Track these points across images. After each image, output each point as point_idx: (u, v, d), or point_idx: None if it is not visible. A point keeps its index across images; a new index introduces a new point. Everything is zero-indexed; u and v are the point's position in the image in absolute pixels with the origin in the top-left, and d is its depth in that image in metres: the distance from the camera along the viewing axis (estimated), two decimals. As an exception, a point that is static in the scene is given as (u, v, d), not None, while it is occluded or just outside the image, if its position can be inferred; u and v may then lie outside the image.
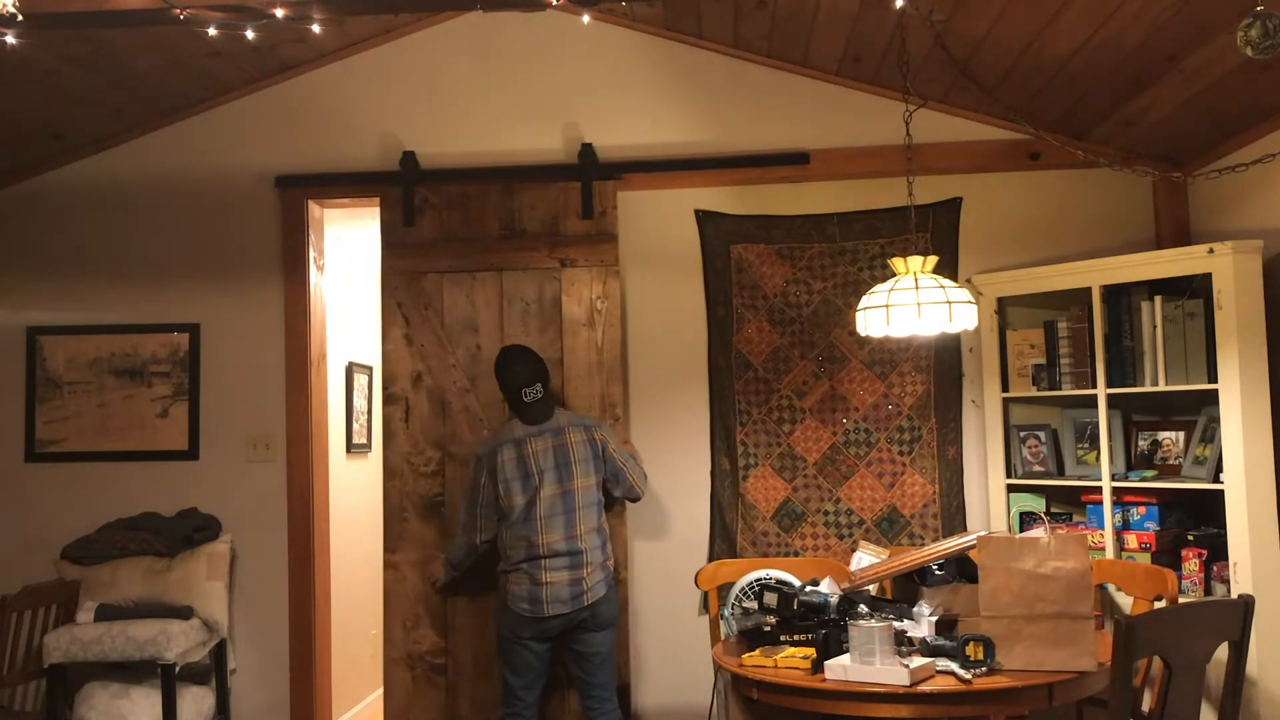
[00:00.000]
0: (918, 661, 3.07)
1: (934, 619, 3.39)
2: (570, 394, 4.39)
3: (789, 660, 3.21)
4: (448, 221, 4.52)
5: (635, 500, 4.16)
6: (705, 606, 4.36)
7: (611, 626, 3.96)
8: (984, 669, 3.07)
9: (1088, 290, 4.10)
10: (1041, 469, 4.29)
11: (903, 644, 3.23)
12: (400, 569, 4.39)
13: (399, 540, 4.40)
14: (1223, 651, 2.95)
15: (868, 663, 3.06)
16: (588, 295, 4.45)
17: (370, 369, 6.05)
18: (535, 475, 3.87)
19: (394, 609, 4.38)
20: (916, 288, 3.31)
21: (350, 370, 5.82)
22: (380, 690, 4.65)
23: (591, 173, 4.52)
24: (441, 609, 4.36)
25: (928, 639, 3.23)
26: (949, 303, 3.29)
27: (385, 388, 4.47)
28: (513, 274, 4.47)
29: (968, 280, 4.43)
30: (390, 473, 4.44)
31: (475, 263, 4.48)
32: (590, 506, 3.93)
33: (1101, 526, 4.04)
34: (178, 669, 4.15)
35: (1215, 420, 3.78)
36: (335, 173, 4.62)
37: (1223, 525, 3.72)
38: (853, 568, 3.89)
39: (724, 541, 4.49)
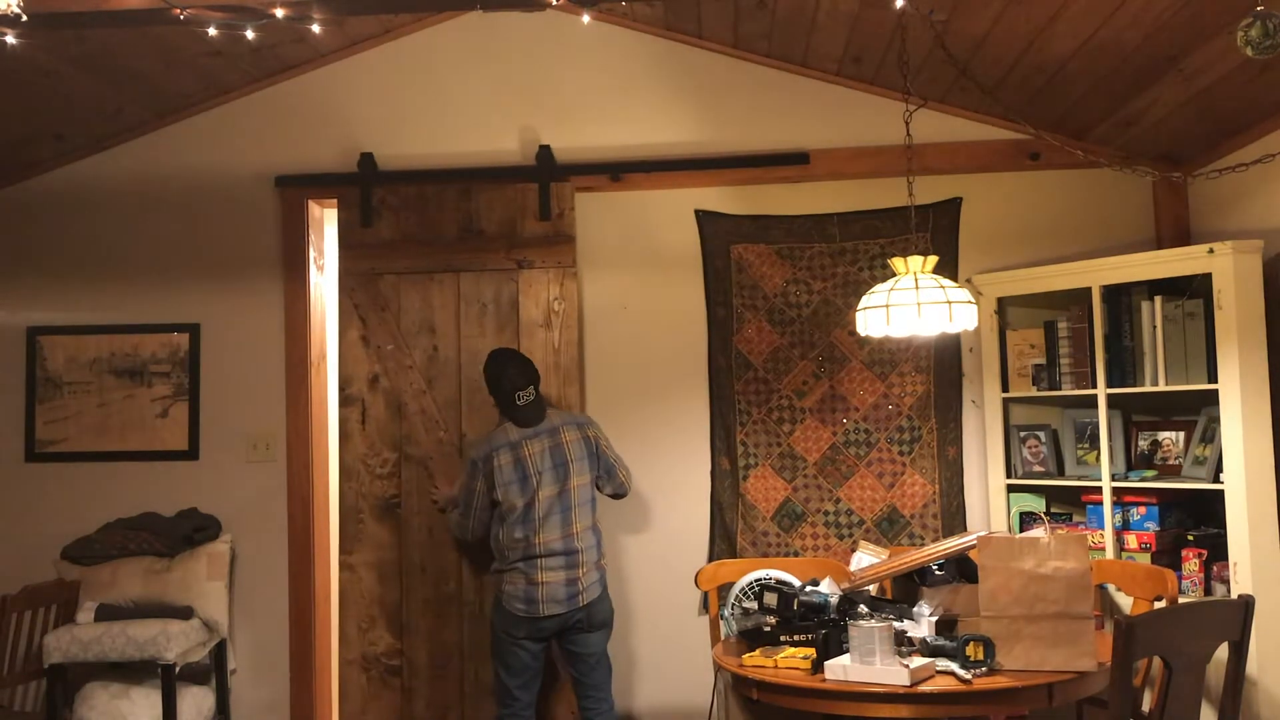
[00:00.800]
0: (918, 661, 3.08)
1: (934, 619, 3.39)
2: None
3: (789, 660, 3.22)
4: (405, 223, 4.52)
5: (622, 496, 4.15)
6: (705, 606, 4.37)
7: (606, 627, 3.96)
8: (984, 669, 3.07)
9: (1088, 290, 4.10)
10: (1041, 469, 4.29)
11: (903, 644, 3.23)
12: (356, 570, 4.40)
13: (355, 542, 4.41)
14: (1223, 651, 2.95)
15: (868, 663, 3.06)
16: (545, 297, 4.45)
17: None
18: (534, 477, 3.88)
19: (349, 610, 4.39)
20: (916, 288, 3.31)
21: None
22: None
23: (549, 174, 4.51)
24: (397, 611, 4.38)
25: (928, 639, 3.23)
26: (949, 303, 3.29)
27: (341, 389, 4.47)
28: (470, 275, 4.48)
29: (968, 280, 4.43)
30: (346, 474, 4.45)
31: (433, 264, 4.48)
32: (585, 504, 3.94)
33: (1101, 526, 4.04)
34: (178, 669, 4.15)
35: (1215, 420, 3.78)
36: (335, 173, 4.62)
37: (1223, 525, 3.72)
38: (853, 568, 3.89)
39: (724, 541, 4.49)
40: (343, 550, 4.41)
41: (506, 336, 4.42)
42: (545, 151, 4.53)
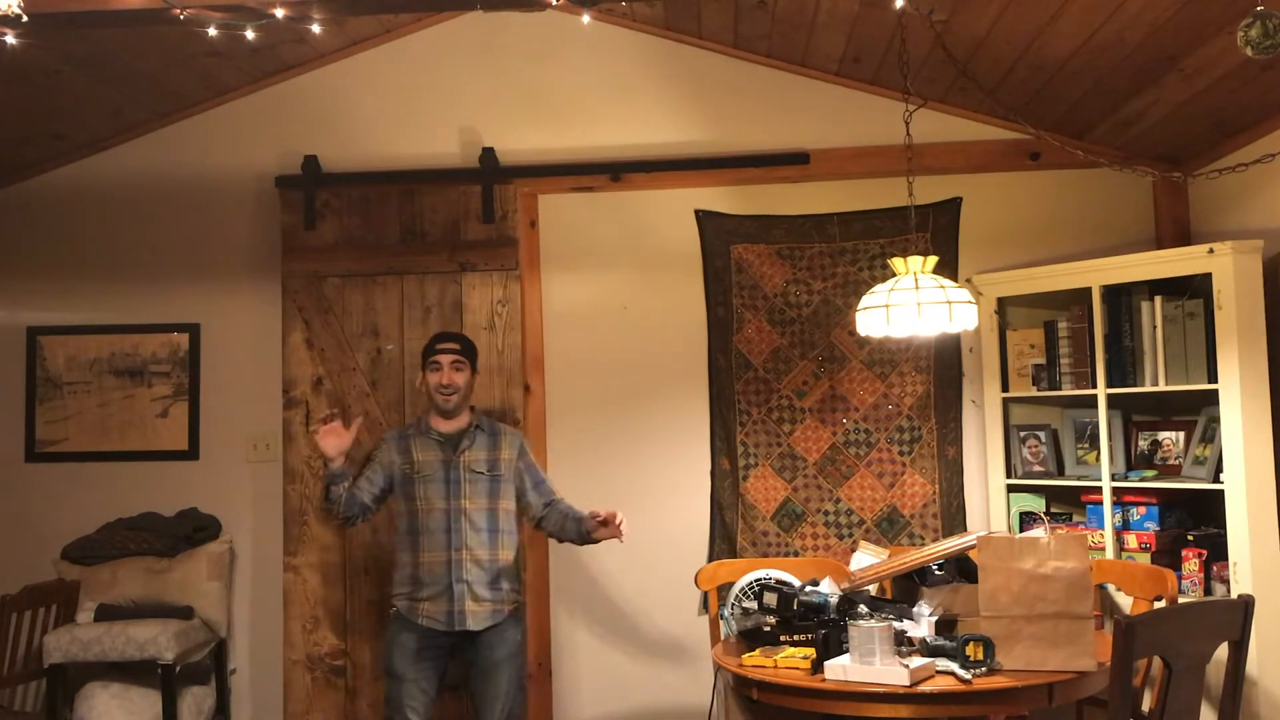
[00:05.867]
0: (918, 661, 3.07)
1: (934, 619, 3.39)
2: (471, 397, 4.39)
3: (789, 660, 3.21)
4: (348, 225, 4.54)
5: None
6: (705, 606, 4.36)
7: None
8: (984, 669, 3.07)
9: (1088, 290, 4.10)
10: (1041, 469, 4.29)
11: (903, 644, 3.23)
12: (300, 571, 4.41)
13: (298, 543, 4.42)
14: (1223, 651, 2.95)
15: (868, 663, 3.06)
16: (489, 299, 4.47)
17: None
18: None
19: (294, 611, 4.40)
20: (916, 288, 3.31)
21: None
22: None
23: (491, 176, 4.52)
24: (341, 612, 4.39)
25: (928, 639, 3.23)
26: (949, 303, 3.29)
27: (285, 391, 4.48)
28: (414, 278, 4.50)
29: (968, 280, 4.43)
30: (290, 476, 4.45)
31: (376, 266, 4.50)
32: None
33: (1101, 526, 4.04)
34: (178, 669, 4.15)
35: (1215, 420, 3.78)
36: (339, 173, 4.61)
37: (1223, 525, 3.72)
38: (853, 568, 3.89)
39: (724, 541, 4.49)
40: (286, 552, 4.43)
41: None
42: (489, 154, 4.53)
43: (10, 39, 3.09)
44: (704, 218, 4.59)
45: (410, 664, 3.68)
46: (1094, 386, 4.07)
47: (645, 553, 4.52)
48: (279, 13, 3.10)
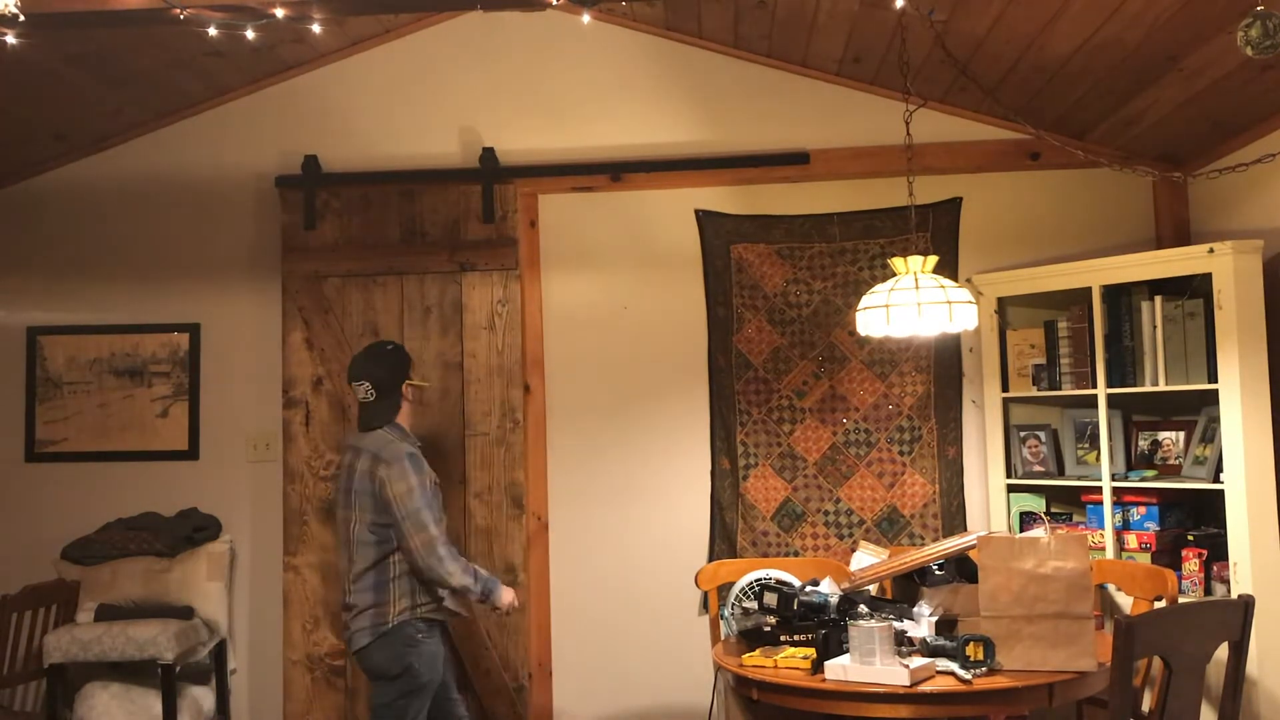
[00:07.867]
0: (918, 661, 3.08)
1: (934, 619, 3.39)
2: (470, 397, 4.42)
3: (789, 660, 3.22)
4: (348, 225, 4.54)
5: (424, 578, 3.55)
6: (705, 606, 4.36)
7: (383, 679, 3.54)
8: (984, 669, 3.07)
9: (1088, 290, 4.10)
10: (1041, 469, 4.29)
11: (903, 644, 3.23)
12: (300, 571, 4.41)
13: (299, 543, 4.42)
14: (1223, 651, 2.95)
15: (868, 663, 3.06)
16: (489, 299, 4.47)
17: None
18: (342, 494, 3.67)
19: (294, 611, 4.41)
20: (916, 287, 3.31)
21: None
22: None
23: (491, 176, 4.52)
24: (341, 612, 4.36)
25: (928, 639, 3.23)
26: (949, 303, 3.29)
27: (285, 391, 4.49)
28: (414, 278, 4.50)
29: (968, 280, 4.43)
30: (290, 476, 4.46)
31: (376, 266, 4.50)
32: (366, 545, 3.56)
33: (1101, 526, 4.04)
34: (178, 669, 4.15)
35: (1215, 420, 3.78)
36: (339, 173, 4.61)
37: (1223, 525, 3.72)
38: (853, 568, 3.89)
39: (724, 541, 4.49)
40: (287, 552, 4.44)
41: (450, 339, 4.46)
42: (489, 154, 4.53)
43: (10, 39, 3.09)
44: (704, 218, 4.59)
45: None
46: (1094, 386, 4.07)
47: (645, 553, 4.52)
48: (279, 13, 3.10)
